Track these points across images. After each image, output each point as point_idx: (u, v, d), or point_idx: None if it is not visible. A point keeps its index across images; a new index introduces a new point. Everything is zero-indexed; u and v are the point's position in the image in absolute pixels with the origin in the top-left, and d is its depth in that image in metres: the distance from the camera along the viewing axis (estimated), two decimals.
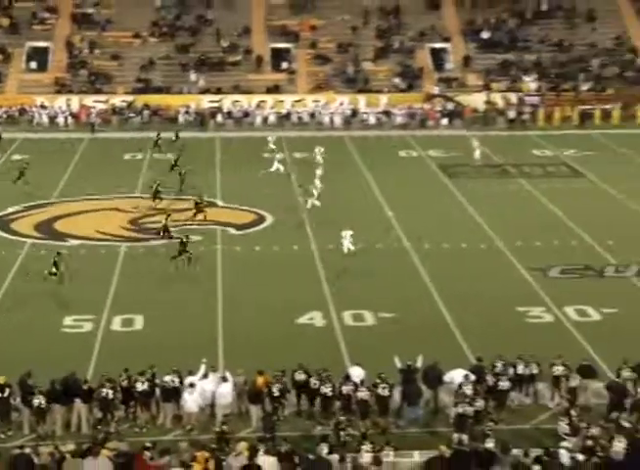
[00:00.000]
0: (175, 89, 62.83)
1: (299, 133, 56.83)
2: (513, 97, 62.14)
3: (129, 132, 57.73)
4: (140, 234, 38.75)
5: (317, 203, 40.81)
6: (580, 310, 30.97)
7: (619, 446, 20.61)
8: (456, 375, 24.59)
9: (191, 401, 23.37)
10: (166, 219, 38.04)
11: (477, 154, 49.60)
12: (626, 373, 24.66)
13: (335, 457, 20.34)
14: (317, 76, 64.18)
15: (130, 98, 61.56)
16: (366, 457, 20.39)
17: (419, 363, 24.63)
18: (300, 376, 24.38)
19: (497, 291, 32.74)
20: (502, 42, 67.01)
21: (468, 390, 23.71)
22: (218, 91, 62.37)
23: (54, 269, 31.97)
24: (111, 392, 23.28)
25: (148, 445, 20.21)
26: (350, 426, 22.45)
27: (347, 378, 24.13)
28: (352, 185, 45.68)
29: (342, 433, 21.92)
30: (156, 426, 23.58)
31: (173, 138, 52.42)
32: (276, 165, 46.96)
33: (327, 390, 23.84)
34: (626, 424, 22.73)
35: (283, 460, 19.96)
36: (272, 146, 50.80)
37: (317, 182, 42.12)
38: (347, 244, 35.53)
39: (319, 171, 44.01)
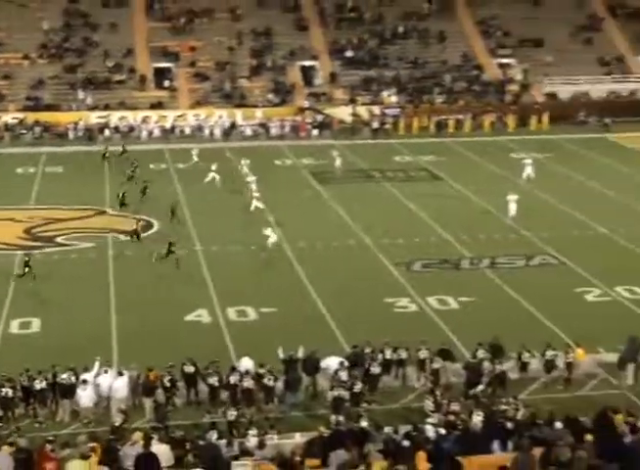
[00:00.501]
0: (64, 107, 61.46)
1: (182, 145, 56.36)
2: (375, 109, 62.86)
3: (21, 148, 56.25)
4: (35, 242, 37.82)
5: (260, 205, 41.18)
6: (441, 300, 31.56)
7: (478, 418, 21.08)
8: (332, 362, 24.80)
9: (85, 397, 23.02)
10: (137, 224, 38.03)
11: (337, 162, 49.67)
12: (482, 354, 25.28)
13: (223, 442, 20.27)
14: (197, 93, 63.72)
15: (21, 115, 59.94)
16: (252, 441, 20.37)
17: (300, 354, 24.74)
18: (189, 368, 24.22)
19: (367, 284, 33.10)
20: (364, 60, 67.66)
21: (343, 375, 23.95)
22: (105, 108, 61.37)
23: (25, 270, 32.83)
24: (10, 391, 22.72)
25: (50, 438, 19.76)
26: (241, 415, 22.45)
27: (234, 369, 24.08)
28: (233, 191, 45.54)
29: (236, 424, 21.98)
30: (55, 421, 23.13)
31: (120, 151, 51.79)
32: (211, 175, 46.46)
33: (213, 380, 23.79)
34: (482, 398, 23.35)
35: (175, 447, 19.77)
36: (195, 158, 50.34)
37: (254, 187, 43.00)
38: (272, 239, 36.00)
39: (251, 178, 44.47)
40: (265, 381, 23.68)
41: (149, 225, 40.01)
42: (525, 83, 66.88)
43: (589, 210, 42.54)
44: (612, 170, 50.52)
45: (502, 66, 68.94)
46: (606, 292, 32.40)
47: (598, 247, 37.67)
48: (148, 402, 23.34)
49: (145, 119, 60.47)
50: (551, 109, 63.54)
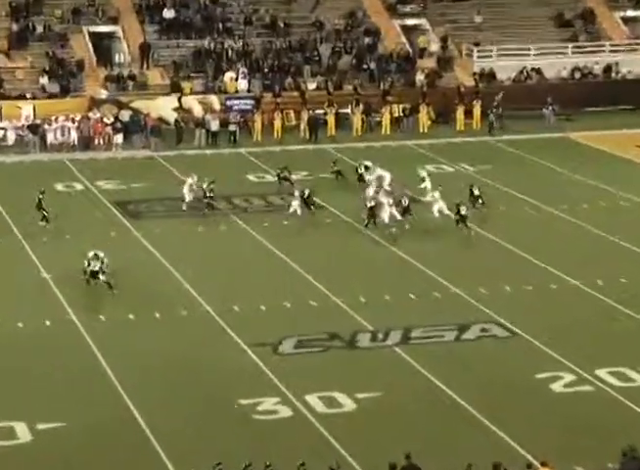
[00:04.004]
0: None
1: None
2: (215, 101, 62.90)
3: None
4: None
5: None
6: (327, 398, 31.59)
7: None
8: None
9: None
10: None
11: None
12: None
13: None
14: None
15: None
16: None
17: None
18: None
19: (211, 378, 32.91)
20: (193, 23, 67.73)
21: None
22: None
23: None
24: None
25: None
26: None
27: None
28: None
29: None
30: None
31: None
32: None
33: None
34: None
35: None
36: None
37: None
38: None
39: None
40: None
41: None
42: (444, 57, 68.25)
43: (552, 251, 43.53)
44: (581, 187, 51.75)
45: (408, 30, 70.24)
46: (582, 377, 33.03)
47: (566, 308, 38.46)
48: None
49: None
50: (485, 96, 64.98)
